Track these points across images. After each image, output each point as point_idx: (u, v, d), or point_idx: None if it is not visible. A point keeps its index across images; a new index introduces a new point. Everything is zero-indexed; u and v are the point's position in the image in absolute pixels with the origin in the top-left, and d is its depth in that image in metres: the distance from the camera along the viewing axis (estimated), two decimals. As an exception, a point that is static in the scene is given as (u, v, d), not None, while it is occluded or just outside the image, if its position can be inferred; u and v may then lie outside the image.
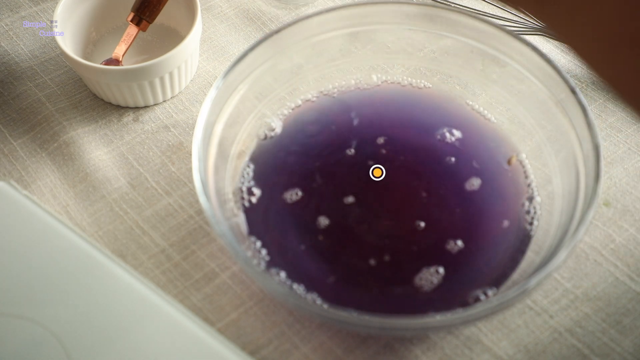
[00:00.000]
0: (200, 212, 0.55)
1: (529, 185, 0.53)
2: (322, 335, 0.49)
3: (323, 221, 0.52)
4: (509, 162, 0.54)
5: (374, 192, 0.53)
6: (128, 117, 0.61)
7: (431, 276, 0.49)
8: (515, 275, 0.49)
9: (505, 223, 0.51)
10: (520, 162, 0.54)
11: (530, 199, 0.52)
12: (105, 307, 0.47)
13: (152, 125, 0.60)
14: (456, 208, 0.52)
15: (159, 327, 0.46)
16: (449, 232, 0.51)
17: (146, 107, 0.61)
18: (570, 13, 0.28)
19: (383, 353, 0.48)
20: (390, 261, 0.50)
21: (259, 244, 0.51)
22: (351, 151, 0.55)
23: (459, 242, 0.50)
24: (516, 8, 0.32)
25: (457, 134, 0.55)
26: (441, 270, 0.49)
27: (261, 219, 0.52)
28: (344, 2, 0.65)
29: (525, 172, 0.54)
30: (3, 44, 0.66)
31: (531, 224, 0.51)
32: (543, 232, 0.50)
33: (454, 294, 0.49)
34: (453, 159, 0.54)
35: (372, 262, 0.50)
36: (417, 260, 0.50)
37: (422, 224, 0.51)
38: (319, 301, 0.48)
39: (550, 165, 0.52)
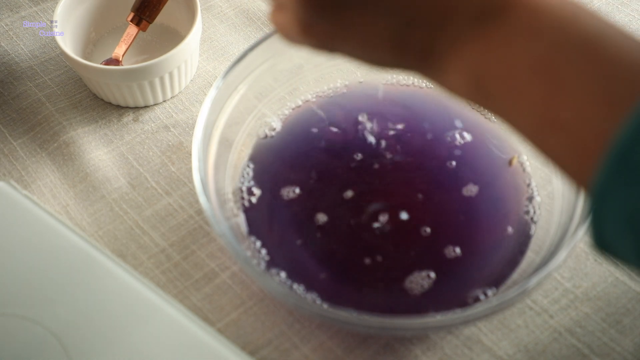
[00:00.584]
0: (200, 212, 0.55)
1: (528, 185, 0.53)
2: (322, 335, 0.49)
3: (323, 221, 0.52)
4: (510, 162, 0.54)
5: (375, 193, 0.53)
6: (128, 117, 0.61)
7: (427, 278, 0.49)
8: (515, 275, 0.49)
9: (505, 223, 0.51)
10: (521, 163, 0.54)
11: (530, 199, 0.52)
12: (105, 307, 0.47)
13: (152, 125, 0.60)
14: (456, 209, 0.52)
15: (159, 327, 0.46)
16: (450, 234, 0.51)
17: (146, 107, 0.61)
18: (507, 102, 0.34)
19: (383, 353, 0.48)
20: (390, 261, 0.50)
21: (258, 243, 0.51)
22: (351, 151, 0.55)
23: (460, 243, 0.50)
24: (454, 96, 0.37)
25: (467, 136, 0.55)
26: (443, 270, 0.49)
27: (261, 218, 0.52)
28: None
29: (525, 172, 0.54)
30: (3, 44, 0.66)
31: (531, 224, 0.51)
32: (543, 232, 0.50)
33: (455, 294, 0.49)
34: (454, 160, 0.54)
35: (372, 262, 0.50)
36: (417, 261, 0.50)
37: (423, 225, 0.51)
38: (318, 301, 0.48)
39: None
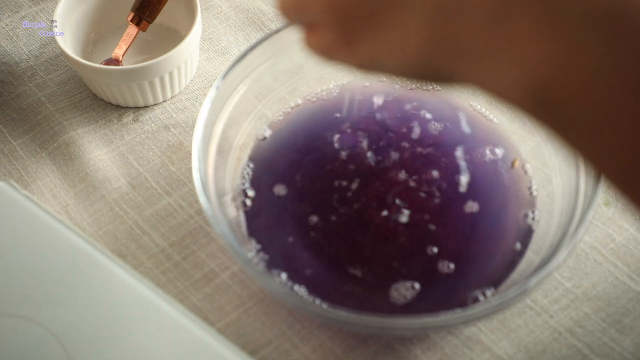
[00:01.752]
0: (200, 212, 0.55)
1: (529, 187, 0.53)
2: (322, 335, 0.49)
3: (323, 222, 0.52)
4: (512, 165, 0.54)
5: (376, 194, 0.53)
6: (128, 117, 0.61)
7: (428, 280, 0.49)
8: (515, 275, 0.49)
9: (505, 222, 0.51)
10: (522, 165, 0.54)
11: (530, 199, 0.52)
12: (105, 307, 0.47)
13: (152, 125, 0.60)
14: (455, 209, 0.52)
15: (159, 327, 0.46)
16: (451, 236, 0.51)
17: (146, 107, 0.61)
18: (582, 125, 0.26)
19: (383, 353, 0.48)
20: (390, 263, 0.50)
21: (258, 243, 0.51)
22: (355, 152, 0.55)
23: (461, 245, 0.50)
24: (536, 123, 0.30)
25: (498, 151, 0.55)
26: (446, 269, 0.49)
27: (261, 218, 0.52)
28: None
29: (526, 174, 0.54)
30: (3, 44, 0.66)
31: (531, 224, 0.51)
32: (543, 232, 0.50)
33: (455, 294, 0.49)
34: (453, 159, 0.54)
35: (372, 263, 0.50)
36: (419, 263, 0.50)
37: (425, 227, 0.51)
38: (319, 301, 0.48)
39: (550, 165, 0.52)
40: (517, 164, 0.54)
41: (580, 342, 0.48)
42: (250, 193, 0.53)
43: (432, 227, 0.51)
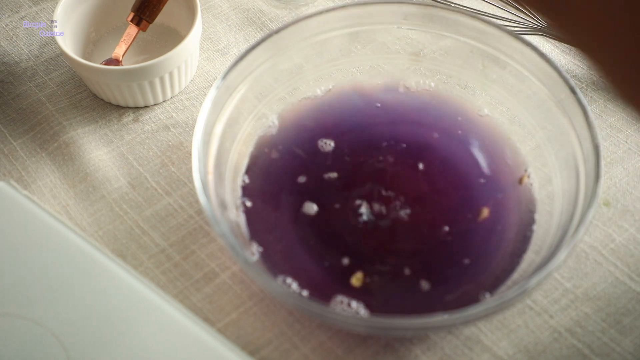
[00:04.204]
0: (200, 212, 0.55)
1: (529, 186, 0.53)
2: (322, 335, 0.49)
3: (324, 221, 0.52)
4: (520, 181, 0.53)
5: (378, 196, 0.53)
6: (128, 117, 0.61)
7: (433, 276, 0.49)
8: (515, 275, 0.49)
9: (505, 222, 0.51)
10: (527, 173, 0.54)
11: (530, 199, 0.52)
12: (105, 307, 0.47)
13: (152, 125, 0.60)
14: (455, 208, 0.52)
15: (159, 327, 0.46)
16: (451, 233, 0.51)
17: (146, 107, 0.61)
18: (578, 13, 0.28)
19: (383, 353, 0.48)
20: (391, 262, 0.50)
21: (259, 243, 0.51)
22: (356, 151, 0.55)
23: (463, 241, 0.50)
24: (523, 7, 0.31)
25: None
26: (446, 269, 0.49)
27: (261, 218, 0.52)
28: (344, 2, 0.65)
29: (525, 171, 0.54)
30: (3, 44, 0.66)
31: (531, 224, 0.51)
32: (543, 232, 0.50)
33: (460, 292, 0.49)
34: (452, 159, 0.54)
35: (372, 263, 0.50)
36: (420, 265, 0.50)
37: (422, 224, 0.51)
38: (318, 301, 0.48)
39: (550, 165, 0.52)
40: (525, 180, 0.53)
41: (580, 342, 0.48)
42: (251, 193, 0.53)
43: (433, 227, 0.51)
